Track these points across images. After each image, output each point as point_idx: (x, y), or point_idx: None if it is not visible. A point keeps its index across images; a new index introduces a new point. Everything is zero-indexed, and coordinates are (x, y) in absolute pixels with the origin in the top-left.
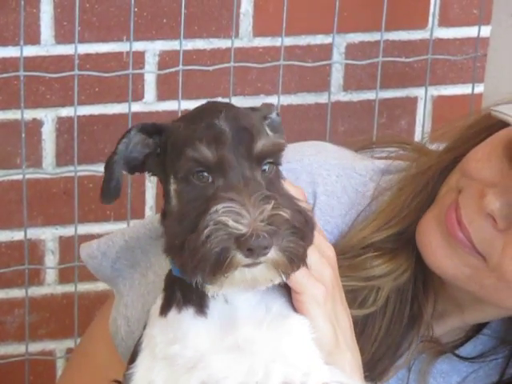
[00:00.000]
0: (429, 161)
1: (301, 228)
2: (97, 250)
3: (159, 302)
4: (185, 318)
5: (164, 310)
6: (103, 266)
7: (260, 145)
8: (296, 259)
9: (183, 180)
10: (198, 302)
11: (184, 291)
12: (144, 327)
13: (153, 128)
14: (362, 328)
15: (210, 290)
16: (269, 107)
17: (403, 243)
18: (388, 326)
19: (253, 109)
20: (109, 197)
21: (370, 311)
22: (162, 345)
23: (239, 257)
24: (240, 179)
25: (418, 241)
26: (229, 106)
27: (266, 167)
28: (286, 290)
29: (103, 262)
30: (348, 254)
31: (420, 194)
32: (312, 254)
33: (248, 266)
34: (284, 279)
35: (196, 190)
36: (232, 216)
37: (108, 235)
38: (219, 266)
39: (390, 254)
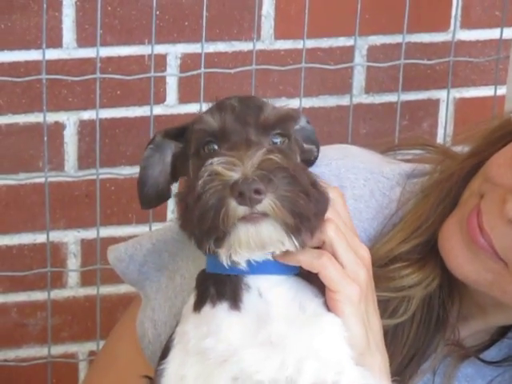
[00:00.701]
0: (452, 166)
1: (301, 180)
2: (124, 253)
3: (192, 300)
4: (219, 313)
5: (198, 306)
6: (130, 270)
7: (266, 113)
8: (299, 212)
9: (195, 155)
10: (233, 297)
11: (218, 286)
12: (176, 325)
13: (177, 131)
14: (391, 336)
15: (224, 256)
16: (296, 112)
17: (430, 251)
18: (416, 331)
19: None
20: (145, 202)
21: (400, 320)
22: (195, 339)
23: (233, 204)
24: (243, 141)
25: (440, 246)
26: (249, 95)
27: (278, 140)
28: (320, 289)
29: (130, 266)
30: (376, 265)
31: (444, 201)
32: (347, 254)
33: (249, 220)
34: (296, 244)
35: (205, 160)
36: (225, 165)
37: (135, 238)
38: (217, 219)
39: (419, 263)
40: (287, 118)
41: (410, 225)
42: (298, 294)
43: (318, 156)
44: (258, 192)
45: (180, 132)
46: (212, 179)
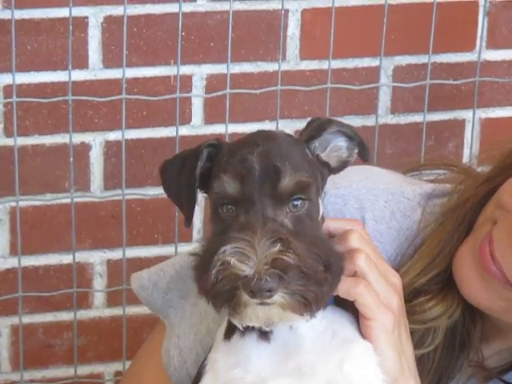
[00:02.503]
0: (471, 187)
1: (312, 274)
2: (148, 280)
3: (224, 325)
4: (248, 342)
5: (228, 334)
6: (154, 297)
7: (284, 183)
8: (311, 301)
9: (214, 210)
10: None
11: None
12: (209, 351)
13: (216, 143)
14: (417, 364)
15: (237, 323)
16: (320, 125)
17: (449, 278)
18: (440, 356)
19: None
20: (191, 219)
21: (427, 351)
22: (224, 368)
23: (245, 298)
24: (259, 218)
25: (454, 273)
26: (270, 137)
27: (298, 203)
28: (355, 317)
29: (154, 293)
30: None
31: (459, 228)
32: (379, 282)
33: (261, 304)
34: (307, 318)
35: (222, 222)
36: (237, 257)
37: (158, 265)
38: (229, 305)
39: (441, 294)
40: (304, 186)
41: (428, 254)
42: (331, 324)
43: (363, 153)
44: (268, 291)
45: (218, 146)
46: (224, 269)
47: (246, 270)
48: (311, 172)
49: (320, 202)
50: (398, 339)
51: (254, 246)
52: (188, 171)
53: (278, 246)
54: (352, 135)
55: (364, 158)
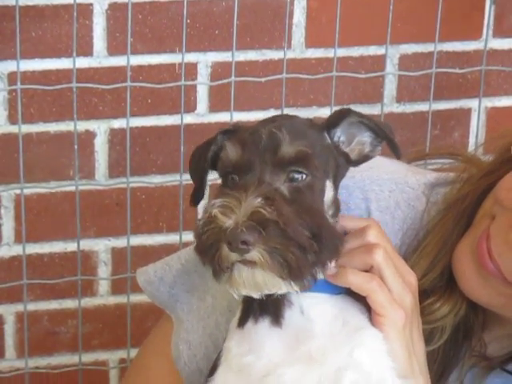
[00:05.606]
0: (469, 184)
1: (293, 235)
2: (154, 275)
3: (238, 314)
4: (261, 329)
5: (241, 322)
6: (160, 292)
7: (283, 150)
8: (292, 264)
9: (222, 181)
10: (274, 313)
11: (261, 302)
12: (224, 341)
13: (232, 129)
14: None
15: (231, 291)
16: (340, 113)
17: (452, 276)
18: (444, 349)
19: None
20: (199, 200)
21: (436, 347)
22: (238, 356)
23: (226, 250)
24: (255, 181)
25: (453, 268)
26: (289, 117)
27: (298, 176)
28: (366, 306)
29: (160, 288)
30: None
31: (459, 223)
32: (395, 279)
33: (245, 263)
34: (296, 288)
35: (223, 192)
36: (221, 209)
37: (163, 259)
38: (215, 259)
39: (446, 293)
40: (302, 156)
41: (430, 252)
42: (342, 312)
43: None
44: (244, 243)
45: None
46: (210, 221)
47: (227, 222)
48: (319, 150)
49: (330, 184)
50: (409, 337)
51: (241, 201)
52: (203, 155)
53: (259, 200)
54: (378, 131)
55: (395, 153)
